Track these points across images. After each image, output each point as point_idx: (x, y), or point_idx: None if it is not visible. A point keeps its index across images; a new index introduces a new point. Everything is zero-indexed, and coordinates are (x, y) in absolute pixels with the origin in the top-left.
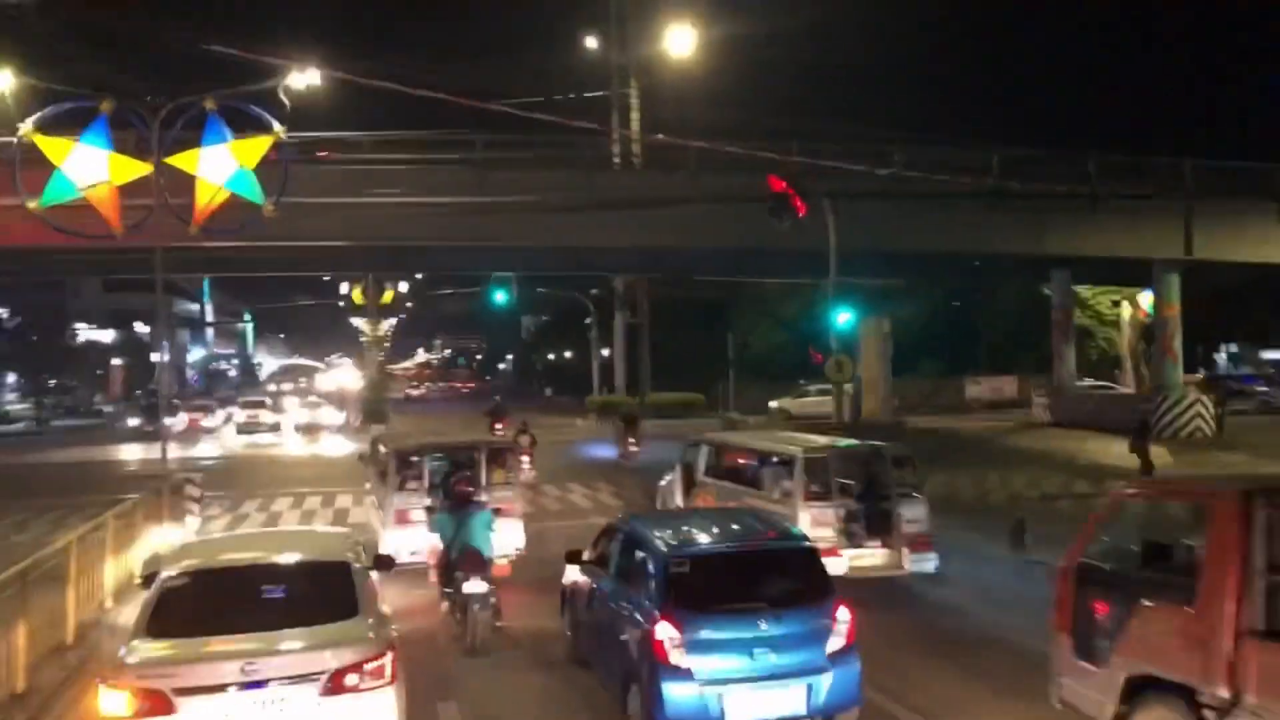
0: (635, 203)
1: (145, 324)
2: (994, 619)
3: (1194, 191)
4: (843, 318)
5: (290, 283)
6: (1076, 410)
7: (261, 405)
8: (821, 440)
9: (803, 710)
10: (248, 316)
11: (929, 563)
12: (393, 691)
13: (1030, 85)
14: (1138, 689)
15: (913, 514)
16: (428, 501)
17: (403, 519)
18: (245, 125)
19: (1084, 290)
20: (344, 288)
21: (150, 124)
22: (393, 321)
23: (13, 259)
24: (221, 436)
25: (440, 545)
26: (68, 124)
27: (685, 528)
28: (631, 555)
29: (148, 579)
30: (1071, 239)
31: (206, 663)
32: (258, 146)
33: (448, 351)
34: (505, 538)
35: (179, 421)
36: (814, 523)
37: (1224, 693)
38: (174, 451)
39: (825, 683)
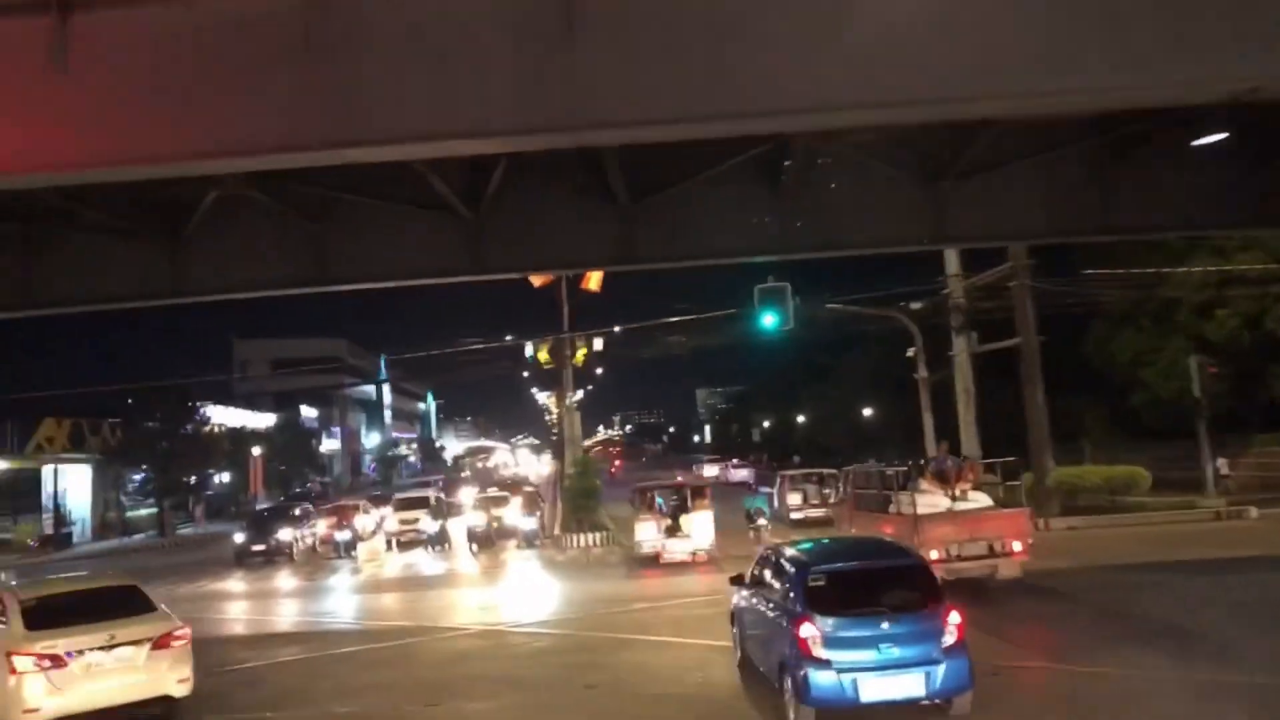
0: None
1: (313, 406)
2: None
3: None
4: None
5: (475, 359)
6: None
7: (421, 505)
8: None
9: (922, 692)
10: (430, 397)
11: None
12: (190, 648)
13: None
14: None
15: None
16: (655, 518)
17: (645, 524)
18: None
19: None
20: (529, 349)
21: None
22: (579, 395)
23: None
24: (364, 557)
25: (748, 506)
26: None
27: (822, 551)
28: (781, 574)
29: None
30: None
31: (84, 635)
32: None
33: (629, 427)
34: (702, 530)
35: (311, 532)
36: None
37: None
38: (272, 602)
39: (940, 671)
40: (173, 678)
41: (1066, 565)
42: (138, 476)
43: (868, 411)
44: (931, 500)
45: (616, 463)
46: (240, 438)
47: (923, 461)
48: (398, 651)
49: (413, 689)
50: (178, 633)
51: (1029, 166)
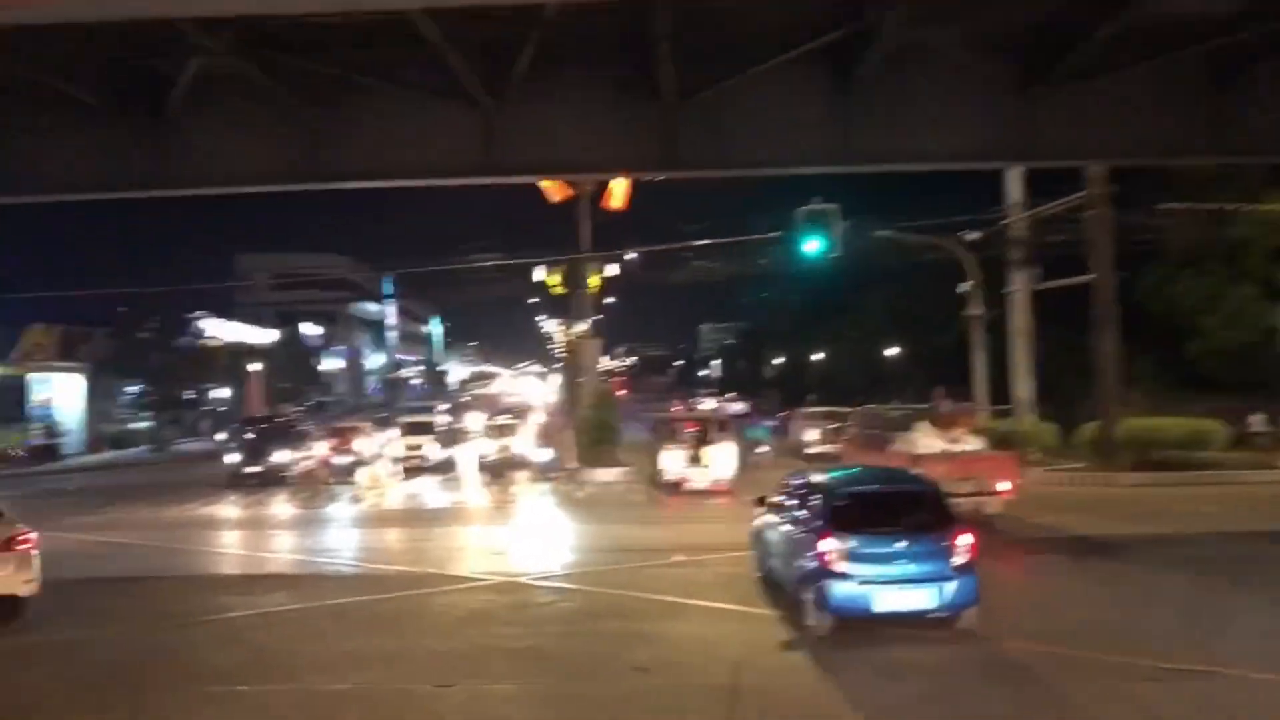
0: None
1: (316, 324)
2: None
3: None
4: None
5: (482, 278)
6: None
7: (425, 430)
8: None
9: (933, 605)
10: (436, 320)
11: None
12: (36, 553)
13: None
14: None
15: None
16: (682, 447)
17: (669, 454)
18: None
19: None
20: (538, 273)
21: None
22: (588, 324)
23: None
24: (365, 484)
25: (749, 436)
26: None
27: (845, 476)
28: (806, 496)
29: None
30: None
31: None
32: None
33: (632, 359)
34: (723, 461)
35: (309, 455)
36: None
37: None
38: (264, 534)
39: (950, 587)
40: (19, 579)
41: (1170, 531)
42: (132, 389)
43: (893, 351)
44: (929, 442)
45: (621, 393)
46: (239, 353)
47: (928, 406)
48: (402, 606)
49: (421, 660)
50: (22, 538)
51: (1140, 73)
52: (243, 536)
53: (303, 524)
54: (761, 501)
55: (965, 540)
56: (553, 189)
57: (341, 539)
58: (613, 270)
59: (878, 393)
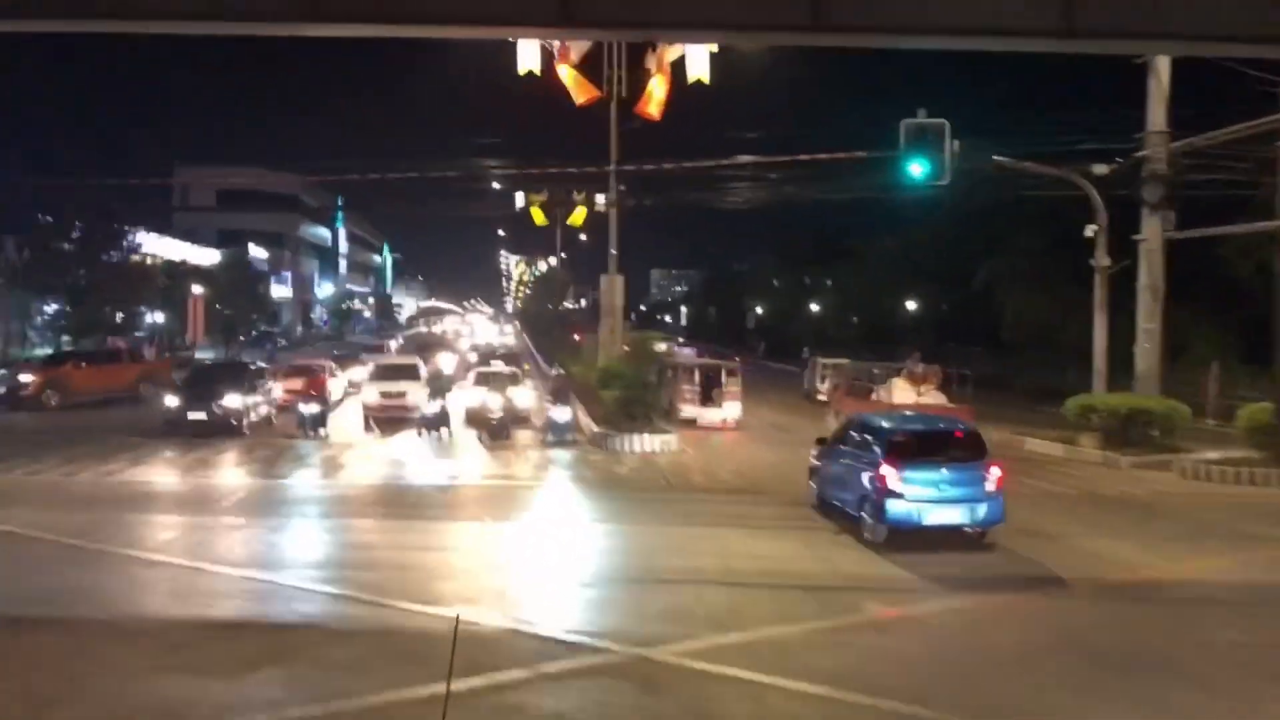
0: None
1: (262, 246)
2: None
3: None
4: None
5: (434, 206)
6: None
7: (410, 374)
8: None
9: (968, 521)
10: (386, 249)
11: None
12: None
13: None
14: None
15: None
16: (697, 389)
17: (682, 398)
18: None
19: None
20: (519, 199)
21: None
22: (551, 263)
23: None
24: (336, 439)
25: None
26: None
27: (899, 418)
28: (865, 434)
29: None
30: None
31: None
32: None
33: (583, 301)
34: (733, 403)
35: (262, 400)
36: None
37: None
38: (211, 522)
39: (982, 509)
40: None
41: None
42: (50, 308)
43: (911, 305)
44: (903, 395)
45: (577, 336)
46: (178, 273)
47: (900, 366)
48: None
49: None
50: None
51: None
52: (183, 527)
53: (265, 505)
54: (821, 441)
55: (996, 471)
56: (579, 88)
57: (324, 538)
58: (600, 202)
59: (877, 349)
